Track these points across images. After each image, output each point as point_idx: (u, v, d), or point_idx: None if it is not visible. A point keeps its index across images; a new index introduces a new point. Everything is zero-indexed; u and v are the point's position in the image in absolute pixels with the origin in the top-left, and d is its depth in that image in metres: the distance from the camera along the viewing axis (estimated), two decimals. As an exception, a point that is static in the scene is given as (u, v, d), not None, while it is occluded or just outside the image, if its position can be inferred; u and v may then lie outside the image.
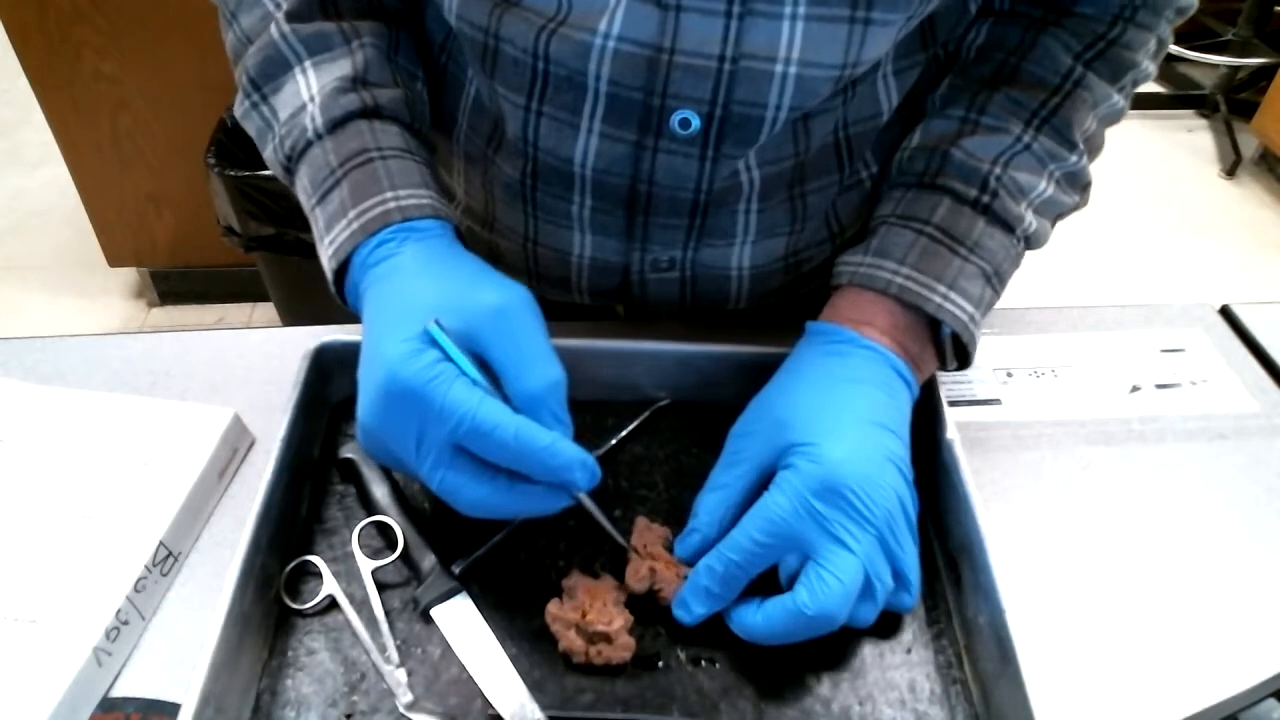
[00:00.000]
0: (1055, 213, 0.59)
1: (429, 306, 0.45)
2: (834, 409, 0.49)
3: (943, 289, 0.53)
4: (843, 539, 0.45)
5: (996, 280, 0.55)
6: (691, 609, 0.48)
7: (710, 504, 0.50)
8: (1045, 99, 0.57)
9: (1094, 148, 0.59)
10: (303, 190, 0.54)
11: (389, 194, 0.51)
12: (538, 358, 0.45)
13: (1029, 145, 0.56)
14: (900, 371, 0.52)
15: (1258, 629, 0.53)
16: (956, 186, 0.55)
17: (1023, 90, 0.57)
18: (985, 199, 0.55)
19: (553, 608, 0.49)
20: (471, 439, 0.43)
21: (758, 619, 0.47)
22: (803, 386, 0.51)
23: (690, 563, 0.50)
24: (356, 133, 0.53)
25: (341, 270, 0.51)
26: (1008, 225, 0.55)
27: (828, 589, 0.45)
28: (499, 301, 0.46)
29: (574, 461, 0.44)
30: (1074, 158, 0.58)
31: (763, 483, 0.49)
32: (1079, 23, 0.57)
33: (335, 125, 0.53)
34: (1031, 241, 0.57)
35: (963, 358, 0.55)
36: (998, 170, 0.55)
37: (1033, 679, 0.43)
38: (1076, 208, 0.60)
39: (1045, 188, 0.56)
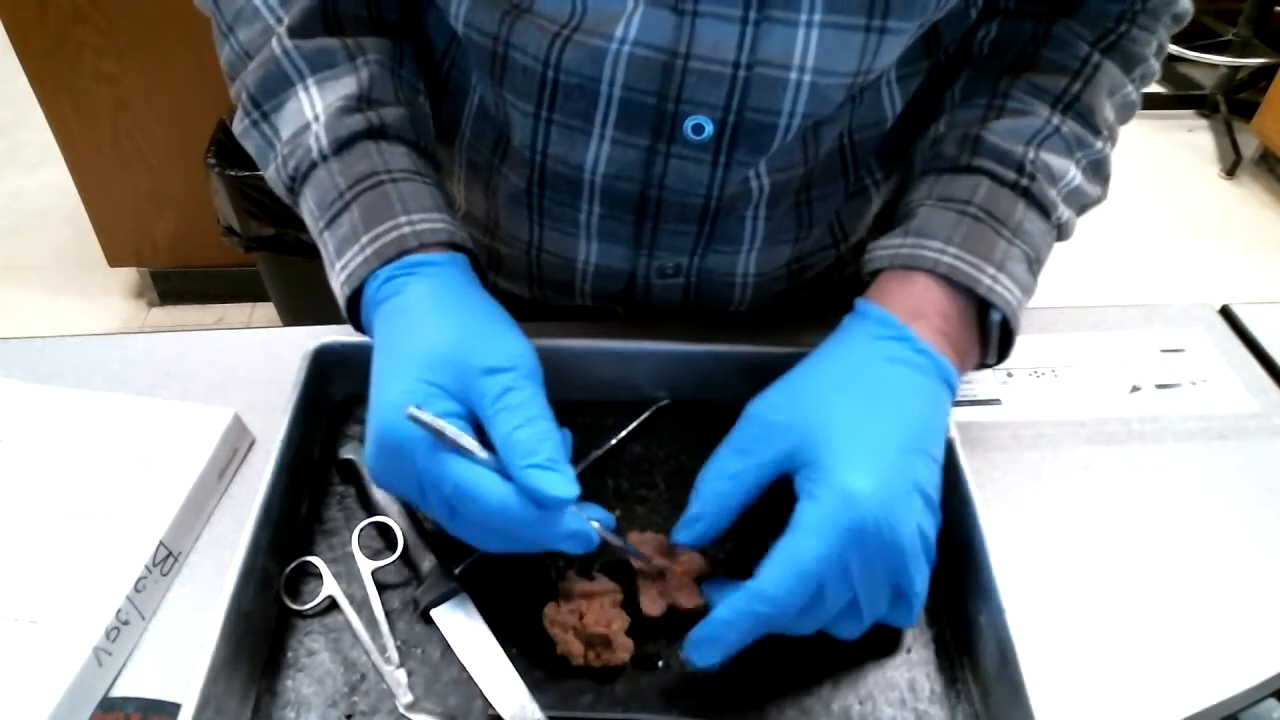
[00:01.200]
0: (1081, 203, 0.57)
1: (426, 359, 0.44)
2: (870, 428, 0.45)
3: (992, 270, 0.50)
4: (854, 580, 0.43)
5: (1036, 266, 0.53)
6: (709, 657, 0.44)
7: (718, 491, 0.47)
8: (1067, 84, 0.56)
9: (1113, 137, 0.59)
10: (309, 212, 0.53)
11: (402, 218, 0.50)
12: (527, 417, 0.43)
13: (1058, 128, 0.55)
14: (949, 380, 0.48)
15: (1258, 629, 0.53)
16: (994, 168, 0.53)
17: (1044, 75, 0.56)
18: (1024, 182, 0.53)
19: (550, 610, 0.49)
20: (457, 503, 0.43)
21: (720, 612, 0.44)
22: (843, 388, 0.47)
23: (691, 548, 0.48)
24: (364, 154, 0.52)
25: (355, 295, 0.50)
26: (1044, 210, 0.53)
27: (811, 620, 0.44)
28: (493, 361, 0.44)
29: (560, 536, 0.43)
30: (1099, 144, 0.57)
31: (774, 477, 0.46)
32: (1087, 18, 0.57)
33: (341, 146, 0.52)
34: (1062, 231, 0.55)
35: (1004, 348, 0.53)
36: (1031, 153, 0.53)
37: (1032, 679, 0.43)
38: (1099, 200, 0.59)
39: (1074, 175, 0.55)
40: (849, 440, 0.44)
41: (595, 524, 0.45)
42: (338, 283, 0.51)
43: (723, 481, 0.47)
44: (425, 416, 0.42)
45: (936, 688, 0.48)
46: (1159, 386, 0.68)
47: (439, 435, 0.42)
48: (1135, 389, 0.68)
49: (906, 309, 0.49)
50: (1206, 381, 0.68)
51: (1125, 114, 0.60)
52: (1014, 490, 0.60)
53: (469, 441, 0.42)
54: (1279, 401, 0.67)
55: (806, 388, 0.48)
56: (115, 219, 1.95)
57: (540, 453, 0.42)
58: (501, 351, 0.45)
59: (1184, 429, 0.65)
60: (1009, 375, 0.68)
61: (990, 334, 0.52)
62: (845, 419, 0.45)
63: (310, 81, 0.54)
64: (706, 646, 0.44)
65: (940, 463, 0.47)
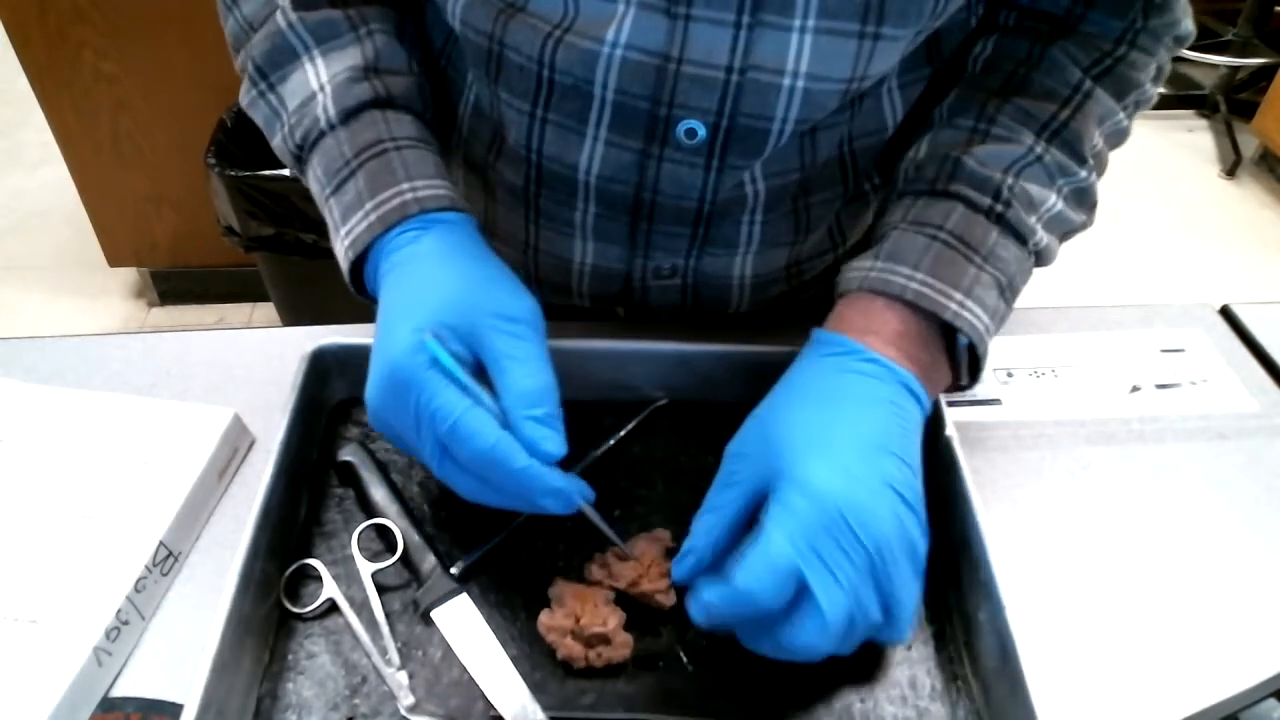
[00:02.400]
0: (1063, 230, 0.57)
1: (440, 300, 0.46)
2: (828, 432, 0.46)
3: (959, 296, 0.50)
4: (836, 575, 0.43)
5: (1009, 293, 0.53)
6: (695, 619, 0.46)
7: (706, 525, 0.48)
8: (1055, 111, 0.55)
9: (1100, 165, 0.58)
10: (315, 180, 0.54)
11: (405, 185, 0.51)
12: (533, 370, 0.45)
13: (1040, 157, 0.54)
14: (909, 386, 0.49)
15: (1258, 629, 0.53)
16: (969, 194, 0.53)
17: (1033, 101, 0.56)
18: (999, 208, 0.53)
19: (545, 618, 0.48)
20: (452, 442, 0.44)
21: (748, 643, 0.45)
22: (799, 405, 0.49)
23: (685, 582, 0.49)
24: (370, 123, 0.53)
25: (358, 261, 0.51)
26: (1020, 236, 0.53)
27: (811, 631, 0.43)
28: (506, 310, 0.46)
29: (545, 490, 0.44)
30: (1083, 172, 0.56)
31: (756, 502, 0.47)
32: (1084, 39, 0.57)
33: (348, 115, 0.53)
34: (1041, 257, 0.55)
35: (974, 371, 0.54)
36: (1009, 180, 0.53)
37: (1033, 677, 0.43)
38: (1083, 227, 0.59)
39: (1055, 202, 0.55)
40: (807, 446, 0.46)
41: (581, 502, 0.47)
42: (342, 248, 0.52)
43: (709, 514, 0.49)
44: (439, 349, 0.44)
45: (937, 684, 0.48)
46: (1159, 386, 0.68)
47: (445, 371, 0.44)
48: (1135, 389, 0.68)
49: (859, 329, 0.51)
50: (1206, 381, 0.68)
51: (1115, 140, 0.59)
52: (1014, 490, 0.60)
53: (472, 381, 0.44)
54: (1279, 401, 0.67)
55: (767, 414, 0.50)
56: (115, 219, 1.95)
57: (541, 407, 0.44)
58: (513, 303, 0.47)
59: (1184, 429, 0.65)
60: (1009, 375, 0.68)
61: (960, 358, 0.53)
62: (802, 430, 0.47)
63: (316, 53, 0.55)
64: (695, 616, 0.45)
65: (915, 468, 0.47)
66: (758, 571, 0.44)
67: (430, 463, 0.46)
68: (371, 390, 0.47)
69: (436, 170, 0.53)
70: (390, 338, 0.46)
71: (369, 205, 0.51)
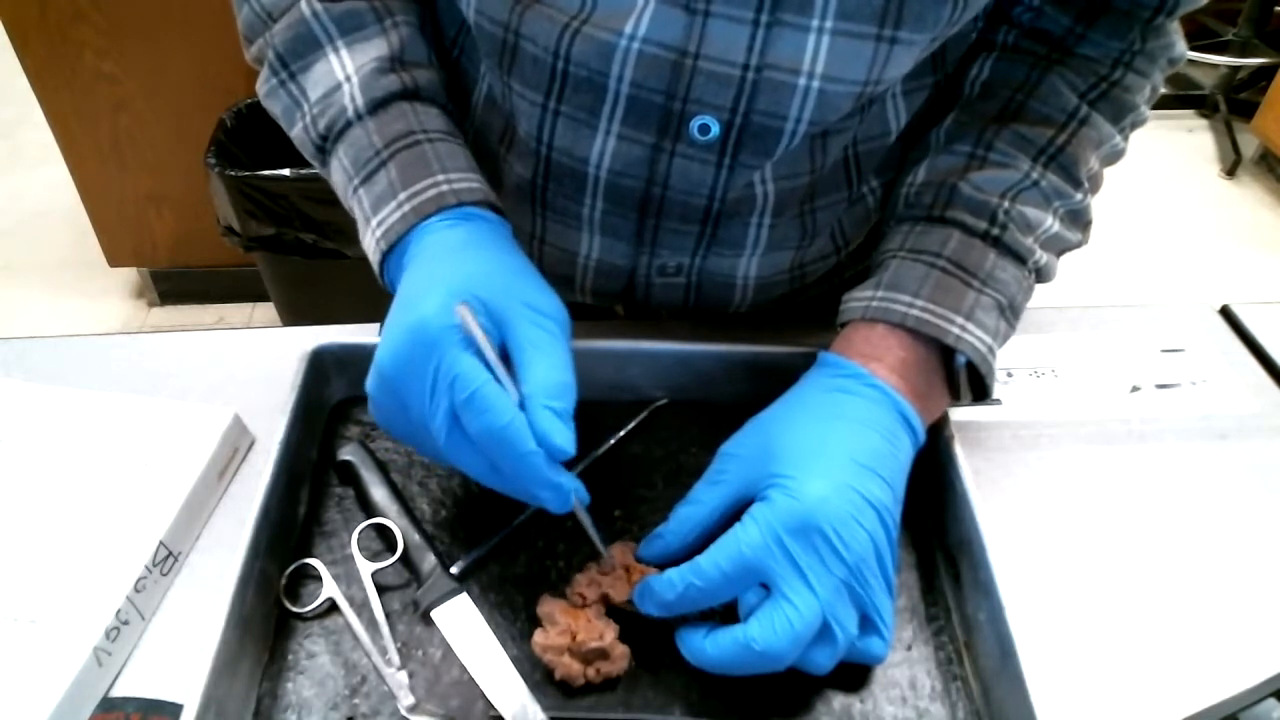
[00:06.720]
0: (1060, 248, 0.58)
1: (476, 277, 0.46)
2: (823, 445, 0.48)
3: (960, 320, 0.52)
4: (807, 577, 0.44)
5: (1011, 313, 0.54)
6: (644, 606, 0.48)
7: (682, 515, 0.50)
8: (1052, 136, 0.56)
9: (1095, 186, 0.59)
10: (341, 170, 0.54)
11: (440, 176, 0.51)
12: (558, 365, 0.45)
13: (1037, 182, 0.55)
14: (906, 416, 0.50)
15: (1258, 629, 0.53)
16: (966, 219, 0.54)
17: (1030, 127, 0.56)
18: (995, 231, 0.54)
19: (539, 638, 0.48)
20: (466, 412, 0.43)
21: (705, 646, 0.45)
22: (798, 417, 0.50)
23: (653, 564, 0.50)
24: (400, 114, 0.53)
25: (388, 252, 0.51)
26: (1019, 257, 0.54)
27: (778, 627, 0.43)
28: (539, 304, 0.47)
29: (545, 481, 0.44)
30: (1079, 195, 0.57)
31: (738, 505, 0.48)
32: (1081, 63, 0.57)
33: (377, 106, 0.53)
34: (1042, 274, 0.56)
35: (979, 392, 0.54)
36: (1006, 204, 0.54)
37: (1033, 677, 0.43)
38: (1079, 245, 0.60)
39: (1051, 224, 0.56)
40: (801, 456, 0.47)
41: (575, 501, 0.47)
42: (373, 238, 0.52)
43: (689, 506, 0.50)
44: (470, 318, 0.44)
45: (937, 685, 0.48)
46: (1159, 386, 0.68)
47: (474, 342, 0.44)
48: (1135, 389, 0.68)
49: (863, 355, 0.52)
50: (1206, 381, 0.68)
51: (1111, 161, 0.60)
52: (1014, 490, 0.60)
53: (496, 359, 0.44)
54: (1279, 401, 0.67)
55: (765, 423, 0.51)
56: (115, 219, 1.95)
57: (561, 401, 0.44)
58: (546, 299, 0.47)
59: (1184, 429, 0.65)
60: (1009, 375, 0.68)
61: (958, 377, 0.54)
62: (798, 441, 0.48)
63: (340, 44, 0.55)
64: (644, 598, 0.47)
65: (898, 497, 0.48)
66: (722, 552, 0.45)
67: (438, 434, 0.44)
68: (388, 349, 0.45)
69: (468, 164, 0.53)
70: (420, 299, 0.45)
71: (402, 195, 0.51)
